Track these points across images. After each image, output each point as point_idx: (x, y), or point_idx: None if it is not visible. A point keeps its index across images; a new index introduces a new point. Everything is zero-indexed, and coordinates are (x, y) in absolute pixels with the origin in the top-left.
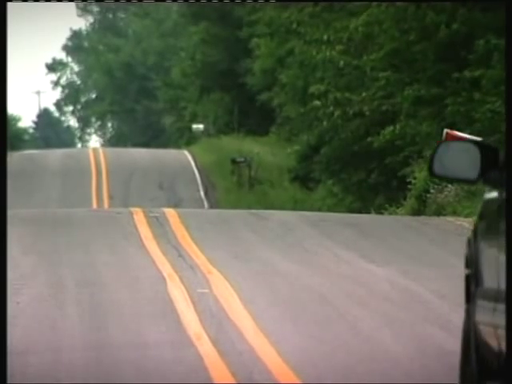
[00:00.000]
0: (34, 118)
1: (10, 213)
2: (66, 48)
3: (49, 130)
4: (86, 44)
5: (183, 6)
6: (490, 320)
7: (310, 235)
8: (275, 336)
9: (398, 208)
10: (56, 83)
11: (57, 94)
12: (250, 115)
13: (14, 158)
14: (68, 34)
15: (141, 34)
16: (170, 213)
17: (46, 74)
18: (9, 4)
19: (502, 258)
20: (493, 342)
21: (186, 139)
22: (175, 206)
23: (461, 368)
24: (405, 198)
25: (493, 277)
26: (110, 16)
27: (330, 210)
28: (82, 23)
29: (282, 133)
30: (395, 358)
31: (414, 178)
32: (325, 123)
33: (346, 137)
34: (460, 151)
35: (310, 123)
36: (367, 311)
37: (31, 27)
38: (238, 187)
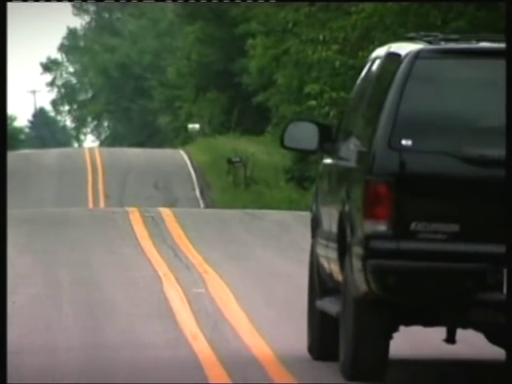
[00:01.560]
0: (30, 118)
1: None
2: (61, 47)
3: (45, 129)
4: (81, 43)
5: (179, 6)
6: (325, 253)
7: (306, 235)
8: (271, 335)
9: None
10: (52, 83)
11: (52, 93)
12: (246, 115)
13: (9, 158)
14: (64, 33)
15: (137, 34)
16: (166, 212)
17: (42, 73)
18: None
19: (331, 208)
20: (327, 270)
21: (181, 139)
22: (171, 205)
23: (308, 288)
24: None
25: (326, 221)
26: (106, 16)
27: None
28: (77, 22)
29: (277, 132)
30: (390, 358)
31: None
32: None
33: None
34: (303, 129)
35: None
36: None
37: (27, 26)
38: (234, 187)
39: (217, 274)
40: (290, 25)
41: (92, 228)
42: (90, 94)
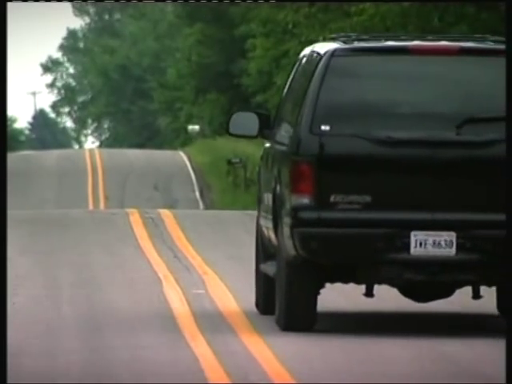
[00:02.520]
0: (30, 119)
1: None
2: (61, 48)
3: (45, 131)
4: (81, 45)
5: (179, 7)
6: (265, 224)
7: None
8: (270, 337)
9: None
10: (52, 84)
11: (53, 95)
12: None
13: (10, 159)
14: (64, 34)
15: (136, 35)
16: (166, 214)
17: (42, 74)
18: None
19: (268, 185)
20: (267, 238)
21: (181, 140)
22: (170, 206)
23: (255, 254)
24: None
25: (265, 197)
26: (107, 17)
27: None
28: (77, 24)
29: None
30: (392, 359)
31: None
32: None
33: None
34: (246, 118)
35: None
36: (363, 312)
37: (27, 27)
38: (234, 188)
39: (216, 275)
40: (289, 26)
41: (92, 229)
42: (90, 96)
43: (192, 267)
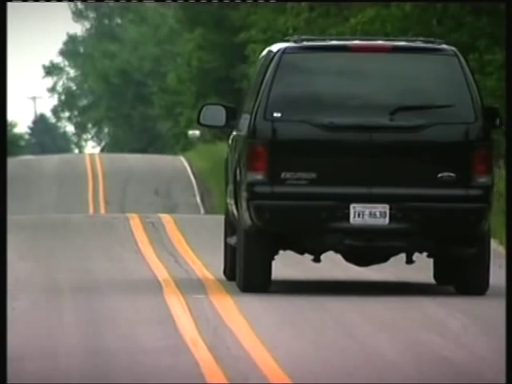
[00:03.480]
0: (30, 124)
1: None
2: (62, 53)
3: (45, 135)
4: (81, 49)
5: (179, 12)
6: (230, 201)
7: None
8: (271, 341)
9: None
10: (52, 89)
11: (53, 99)
12: None
13: (10, 164)
14: (64, 38)
15: (137, 40)
16: (166, 218)
17: (43, 77)
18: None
19: (232, 167)
20: (231, 213)
21: (182, 145)
22: (171, 211)
23: (224, 229)
24: None
25: (230, 177)
26: (106, 22)
27: None
28: (78, 28)
29: None
30: (391, 362)
31: None
32: None
33: None
34: (214, 110)
35: None
36: (364, 316)
37: (27, 31)
38: None
39: (217, 280)
40: (290, 31)
41: (92, 234)
42: (90, 101)
43: (192, 271)
